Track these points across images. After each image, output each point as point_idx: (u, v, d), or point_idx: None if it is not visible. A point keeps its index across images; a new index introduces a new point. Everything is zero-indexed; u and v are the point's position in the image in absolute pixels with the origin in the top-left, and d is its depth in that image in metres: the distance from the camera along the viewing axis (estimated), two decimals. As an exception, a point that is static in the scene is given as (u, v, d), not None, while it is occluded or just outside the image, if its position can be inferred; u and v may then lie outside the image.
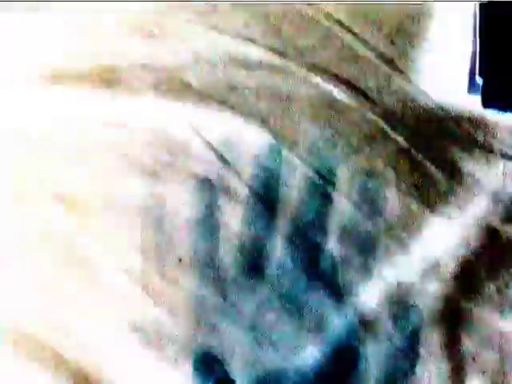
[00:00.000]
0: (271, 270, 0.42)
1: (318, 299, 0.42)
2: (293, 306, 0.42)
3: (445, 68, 0.45)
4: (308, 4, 0.45)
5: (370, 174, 0.43)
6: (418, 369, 0.41)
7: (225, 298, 0.42)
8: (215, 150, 0.43)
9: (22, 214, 0.43)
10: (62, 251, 0.43)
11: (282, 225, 0.43)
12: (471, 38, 0.44)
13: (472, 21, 0.44)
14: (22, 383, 0.42)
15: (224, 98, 0.44)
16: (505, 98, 0.44)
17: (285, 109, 0.44)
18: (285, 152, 0.44)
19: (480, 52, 0.43)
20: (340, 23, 0.45)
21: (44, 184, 0.44)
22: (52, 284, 0.42)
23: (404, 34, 0.45)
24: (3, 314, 0.42)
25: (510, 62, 0.43)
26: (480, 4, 0.43)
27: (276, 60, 0.45)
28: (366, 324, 0.42)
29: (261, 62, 0.45)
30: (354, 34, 0.45)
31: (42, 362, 0.42)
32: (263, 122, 0.44)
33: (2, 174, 0.44)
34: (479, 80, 0.43)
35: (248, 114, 0.44)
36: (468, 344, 0.42)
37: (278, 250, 0.42)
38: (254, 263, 0.42)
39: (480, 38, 0.43)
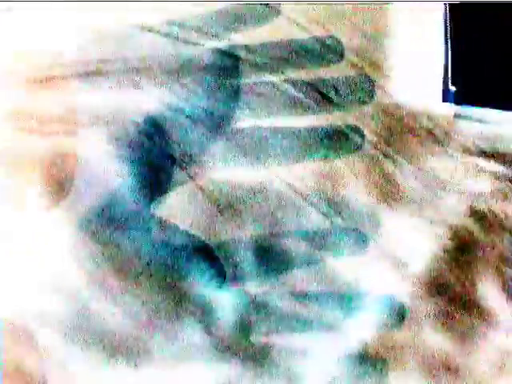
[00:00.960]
0: None
1: None
2: None
3: (410, 67, 0.44)
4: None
5: (329, 174, 0.43)
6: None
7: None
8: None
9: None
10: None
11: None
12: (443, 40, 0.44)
13: (443, 24, 0.44)
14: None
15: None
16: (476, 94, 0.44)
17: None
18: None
19: (452, 55, 0.43)
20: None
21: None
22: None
23: (370, 33, 0.45)
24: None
25: (482, 57, 0.43)
26: (450, 5, 0.44)
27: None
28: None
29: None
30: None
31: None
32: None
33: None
34: (452, 88, 0.44)
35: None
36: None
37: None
38: None
39: (451, 41, 0.44)
